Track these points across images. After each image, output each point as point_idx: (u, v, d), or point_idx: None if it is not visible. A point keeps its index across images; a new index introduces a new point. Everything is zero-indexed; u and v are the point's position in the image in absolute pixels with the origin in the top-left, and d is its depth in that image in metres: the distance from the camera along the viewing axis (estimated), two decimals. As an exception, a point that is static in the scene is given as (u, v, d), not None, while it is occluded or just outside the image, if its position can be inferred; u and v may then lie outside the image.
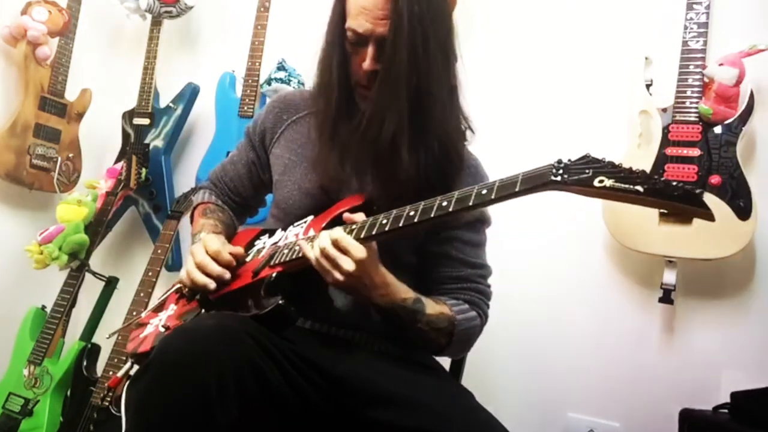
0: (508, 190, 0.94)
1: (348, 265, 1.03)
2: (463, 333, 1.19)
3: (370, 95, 1.17)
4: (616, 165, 0.87)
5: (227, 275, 1.16)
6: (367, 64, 1.16)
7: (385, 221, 1.04)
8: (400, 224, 1.02)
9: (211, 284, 1.14)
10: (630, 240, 1.68)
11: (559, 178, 0.89)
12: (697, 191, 0.83)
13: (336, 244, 1.03)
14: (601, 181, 0.86)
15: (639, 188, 0.83)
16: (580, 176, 0.87)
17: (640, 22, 1.87)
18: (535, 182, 0.92)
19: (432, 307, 1.15)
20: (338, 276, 1.03)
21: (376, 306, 1.12)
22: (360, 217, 1.09)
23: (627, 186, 0.84)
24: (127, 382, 0.98)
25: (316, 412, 1.07)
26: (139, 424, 0.93)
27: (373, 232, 1.04)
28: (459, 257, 1.24)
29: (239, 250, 1.21)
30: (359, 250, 1.03)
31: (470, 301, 1.23)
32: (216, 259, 1.16)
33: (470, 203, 0.97)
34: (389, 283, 1.11)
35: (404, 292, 1.13)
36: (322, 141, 1.23)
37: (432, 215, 1.00)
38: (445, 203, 0.99)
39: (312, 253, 1.05)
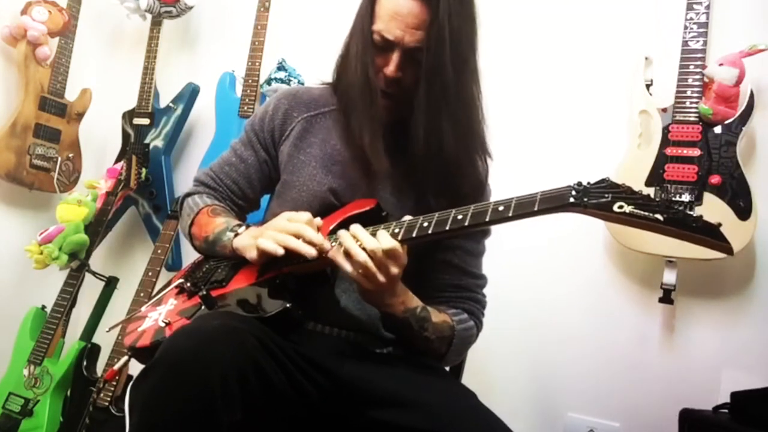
0: (525, 209, 0.95)
1: (395, 268, 1.03)
2: (460, 342, 1.20)
3: (416, 112, 1.15)
4: (635, 191, 0.88)
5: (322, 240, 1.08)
6: (390, 71, 1.15)
7: (398, 230, 1.04)
8: (413, 235, 1.03)
9: (309, 251, 1.05)
10: (630, 240, 1.68)
11: (578, 201, 0.90)
12: (716, 224, 0.83)
13: (388, 252, 1.02)
14: (620, 207, 0.87)
15: (659, 216, 0.84)
16: (600, 200, 0.89)
17: (640, 22, 1.87)
18: (554, 203, 0.93)
19: (436, 315, 1.16)
20: (381, 279, 1.03)
21: (391, 315, 1.11)
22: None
23: (646, 213, 0.85)
24: (131, 383, 0.98)
25: (319, 412, 1.07)
26: (143, 425, 0.93)
27: (399, 238, 1.04)
28: (460, 266, 1.25)
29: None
30: (403, 256, 1.04)
31: (468, 311, 1.24)
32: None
33: (486, 219, 0.98)
34: (405, 292, 1.12)
35: (415, 300, 1.14)
36: (371, 139, 1.17)
37: (447, 228, 1.00)
38: (460, 217, 1.00)
39: (361, 254, 1.02)
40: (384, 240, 1.02)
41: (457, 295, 1.25)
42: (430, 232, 1.02)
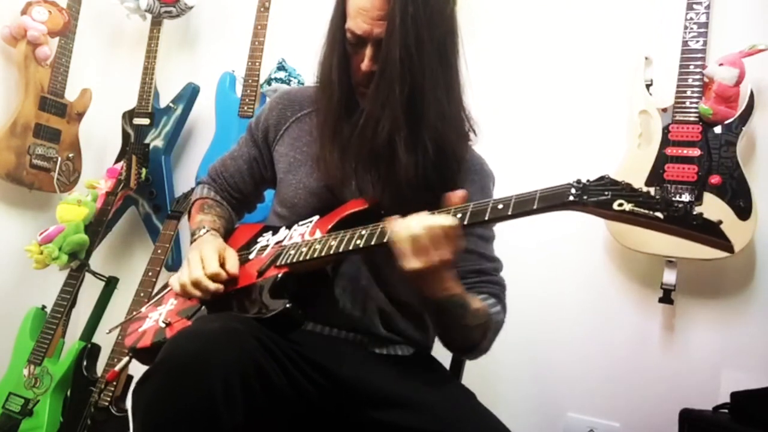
0: (524, 207, 0.94)
1: (448, 253, 0.99)
2: (494, 327, 1.18)
3: (368, 95, 1.16)
4: (635, 188, 0.86)
5: (222, 288, 1.13)
6: (365, 65, 1.15)
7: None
8: None
9: (207, 298, 1.13)
10: (630, 240, 1.68)
11: (577, 199, 0.89)
12: (717, 221, 0.82)
13: (447, 232, 0.98)
14: (620, 205, 0.85)
15: (659, 214, 0.83)
16: (599, 198, 0.87)
17: (640, 22, 1.87)
18: (553, 201, 0.92)
19: (474, 302, 1.12)
20: (435, 258, 0.98)
21: (430, 300, 1.07)
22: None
23: (646, 211, 0.83)
24: (132, 386, 0.98)
25: (320, 413, 1.07)
26: (147, 429, 0.93)
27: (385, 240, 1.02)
28: (477, 251, 1.23)
29: (234, 268, 1.16)
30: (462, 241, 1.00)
31: (494, 294, 1.22)
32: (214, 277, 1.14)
33: (486, 218, 0.96)
34: (451, 276, 1.07)
35: (457, 285, 1.08)
36: (323, 140, 1.22)
37: None
38: (459, 215, 0.99)
39: (408, 231, 0.98)
40: (443, 219, 0.99)
41: (479, 280, 1.23)
42: None
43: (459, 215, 1.00)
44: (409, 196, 1.12)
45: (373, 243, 1.03)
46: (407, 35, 1.09)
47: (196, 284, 1.12)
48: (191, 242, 1.28)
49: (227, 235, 1.33)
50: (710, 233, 0.82)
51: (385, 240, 1.02)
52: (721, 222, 0.83)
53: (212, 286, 1.12)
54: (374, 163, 1.18)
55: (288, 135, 1.32)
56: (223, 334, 0.95)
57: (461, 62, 1.20)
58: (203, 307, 1.14)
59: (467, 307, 1.10)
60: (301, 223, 1.23)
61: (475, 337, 1.15)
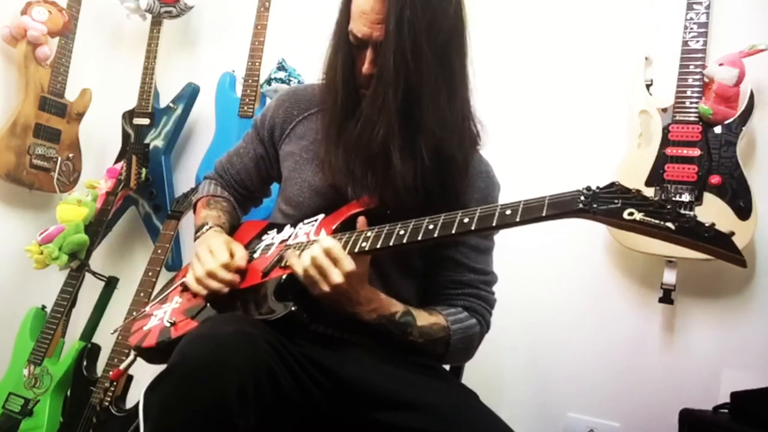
0: (533, 214, 0.92)
1: (336, 277, 1.03)
2: (459, 341, 1.18)
3: (366, 99, 1.16)
4: (646, 197, 0.85)
5: (238, 279, 1.15)
6: (365, 68, 1.15)
7: (402, 232, 1.03)
8: (419, 237, 1.01)
9: (224, 289, 1.14)
10: (630, 240, 1.68)
11: (587, 207, 0.87)
12: (729, 233, 0.80)
13: (328, 254, 1.03)
14: (630, 214, 0.84)
15: (670, 225, 0.81)
16: (609, 206, 0.86)
17: (640, 22, 1.87)
18: (562, 208, 0.90)
19: (424, 318, 1.15)
20: (325, 288, 1.03)
21: (363, 321, 1.11)
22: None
23: (657, 222, 0.82)
24: (145, 388, 0.97)
25: (324, 415, 1.07)
26: (160, 431, 0.93)
27: (391, 243, 1.03)
28: (463, 262, 1.23)
29: (242, 260, 1.19)
30: (349, 263, 1.03)
31: (469, 308, 1.22)
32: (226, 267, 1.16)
33: (493, 223, 0.96)
34: (374, 299, 1.11)
35: (392, 306, 1.13)
36: (328, 143, 1.21)
37: (453, 231, 0.99)
38: (466, 220, 0.98)
39: (299, 264, 1.05)
40: (327, 242, 1.03)
41: (459, 291, 1.23)
42: (435, 235, 1.00)
43: (340, 237, 1.05)
44: (406, 201, 1.12)
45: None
46: (403, 41, 1.08)
47: (212, 275, 1.14)
48: (195, 238, 1.29)
49: (232, 231, 1.34)
50: (722, 246, 0.81)
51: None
52: (733, 233, 0.81)
53: (227, 276, 1.14)
54: (371, 167, 1.17)
55: (294, 134, 1.31)
56: (237, 338, 0.95)
57: (468, 62, 1.19)
58: (208, 306, 1.14)
59: (411, 324, 1.13)
60: (306, 221, 1.22)
61: (431, 350, 1.17)
